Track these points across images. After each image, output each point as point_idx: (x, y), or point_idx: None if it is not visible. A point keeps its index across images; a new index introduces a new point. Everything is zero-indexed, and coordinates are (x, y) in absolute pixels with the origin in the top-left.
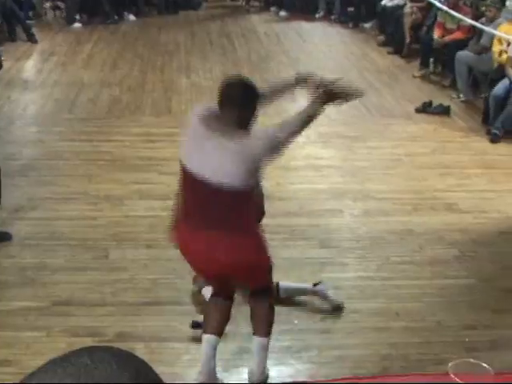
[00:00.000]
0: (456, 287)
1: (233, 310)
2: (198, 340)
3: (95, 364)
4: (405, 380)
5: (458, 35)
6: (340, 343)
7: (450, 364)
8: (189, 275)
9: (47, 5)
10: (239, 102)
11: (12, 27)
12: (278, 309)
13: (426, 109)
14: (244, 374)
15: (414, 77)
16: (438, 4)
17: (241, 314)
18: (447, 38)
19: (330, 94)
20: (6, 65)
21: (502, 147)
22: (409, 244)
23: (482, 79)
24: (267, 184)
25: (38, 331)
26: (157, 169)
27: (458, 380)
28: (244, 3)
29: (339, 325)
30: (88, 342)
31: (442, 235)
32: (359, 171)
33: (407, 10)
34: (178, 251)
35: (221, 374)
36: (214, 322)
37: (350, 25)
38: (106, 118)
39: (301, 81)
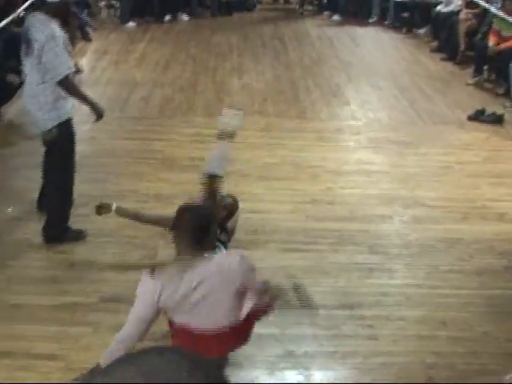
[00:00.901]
0: (504, 298)
1: (279, 312)
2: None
3: (166, 365)
4: None
5: None
6: (385, 350)
7: (507, 376)
8: None
9: (102, 3)
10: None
11: None
12: (324, 314)
13: (478, 117)
14: (289, 377)
15: (467, 84)
16: (494, 10)
17: (287, 316)
18: (502, 46)
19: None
20: None
21: None
22: (458, 253)
23: None
24: (318, 188)
25: (86, 327)
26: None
27: None
28: (298, 7)
29: (385, 331)
30: None
31: (492, 245)
32: (409, 178)
33: (462, 16)
34: None
35: (266, 378)
36: None
37: (404, 30)
38: (158, 118)
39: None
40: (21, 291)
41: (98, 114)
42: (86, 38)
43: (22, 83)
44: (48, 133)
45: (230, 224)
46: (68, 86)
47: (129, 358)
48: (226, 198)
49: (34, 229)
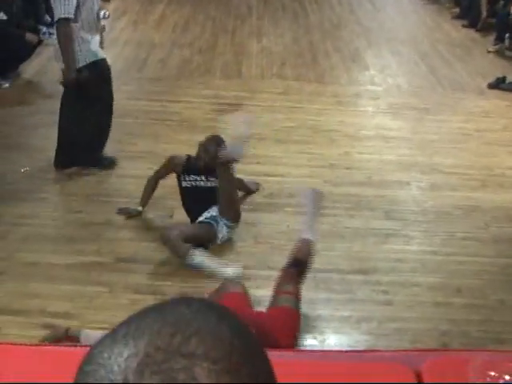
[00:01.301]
0: None
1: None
2: (258, 303)
3: (193, 314)
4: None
5: None
6: (400, 316)
7: None
8: (251, 239)
9: None
10: None
11: None
12: (339, 278)
13: (499, 85)
14: (302, 340)
15: (488, 52)
16: None
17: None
18: None
19: None
20: None
21: None
22: (474, 220)
23: None
24: (336, 152)
25: (101, 286)
26: (223, 132)
27: None
28: None
29: (400, 297)
30: (150, 299)
31: (510, 213)
32: (428, 144)
33: None
34: (242, 214)
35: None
36: None
37: None
38: (176, 79)
39: None
40: (36, 249)
41: (66, 79)
42: None
43: (40, 42)
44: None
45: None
46: (59, 31)
47: (156, 309)
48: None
49: (51, 187)
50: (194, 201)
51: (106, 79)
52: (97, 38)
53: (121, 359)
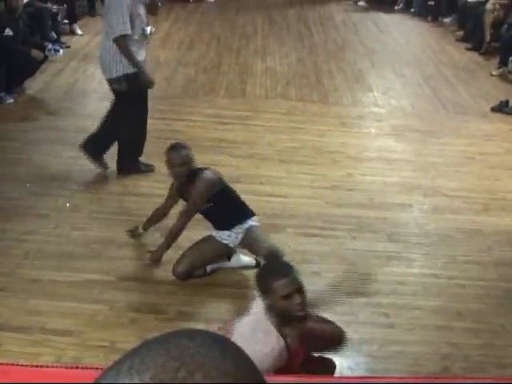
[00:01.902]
0: None
1: None
2: None
3: (197, 348)
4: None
5: None
6: (401, 339)
7: None
8: (253, 260)
9: None
10: None
11: (92, 2)
12: (341, 301)
13: (502, 108)
14: None
15: (492, 75)
16: None
17: None
18: None
19: None
20: (83, 39)
21: None
22: (477, 244)
23: None
24: (338, 173)
25: (102, 304)
26: (227, 151)
27: None
28: None
29: (401, 320)
30: (150, 318)
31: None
32: (431, 167)
33: (489, 6)
34: None
35: None
36: None
37: (429, 18)
38: (180, 98)
39: None
40: (38, 266)
41: (145, 81)
42: None
43: (45, 58)
44: (115, 81)
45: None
46: (120, 45)
47: (159, 342)
48: None
49: (53, 204)
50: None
51: (142, 89)
52: (143, 52)
53: None
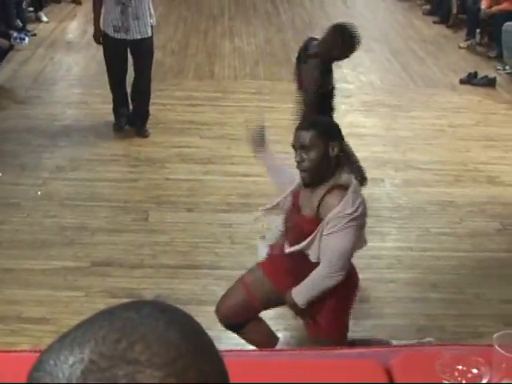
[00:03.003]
0: (496, 260)
1: None
2: None
3: (141, 319)
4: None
5: (506, 6)
6: (377, 312)
7: (494, 336)
8: (227, 240)
9: None
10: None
11: None
12: None
13: (470, 80)
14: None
15: (460, 47)
16: None
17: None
18: (494, 9)
19: None
20: (50, 26)
21: None
22: (449, 216)
23: None
24: None
25: (77, 291)
26: (198, 133)
27: (504, 352)
28: None
29: (376, 294)
30: None
31: (484, 208)
32: (401, 141)
33: None
34: (217, 215)
35: None
36: None
37: None
38: None
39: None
40: (11, 255)
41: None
42: (76, 1)
43: (11, 47)
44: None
45: None
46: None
47: (106, 314)
48: None
49: (24, 192)
50: None
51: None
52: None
53: (66, 366)
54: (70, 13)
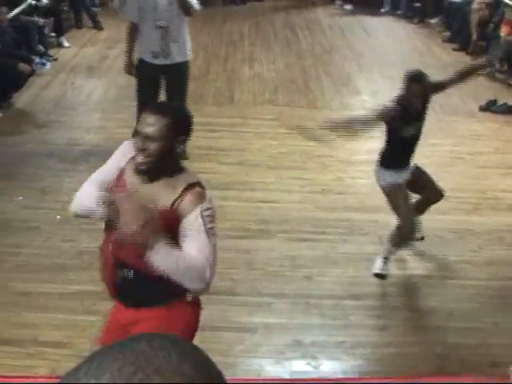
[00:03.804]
0: None
1: (287, 302)
2: (250, 330)
3: (155, 351)
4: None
5: None
6: (394, 341)
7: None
8: (244, 266)
9: None
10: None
11: (78, 14)
12: (332, 304)
13: (490, 107)
14: (296, 367)
15: (479, 75)
16: (507, 0)
17: (294, 306)
18: None
19: None
20: (71, 51)
21: None
22: (467, 243)
23: None
24: (328, 177)
25: (94, 315)
26: (216, 158)
27: None
28: None
29: (394, 322)
30: None
31: (502, 236)
32: None
33: (475, 6)
34: (235, 241)
35: (273, 367)
36: None
37: (416, 20)
38: None
39: None
40: (29, 279)
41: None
42: (98, 26)
43: (33, 72)
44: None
45: None
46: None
47: (118, 347)
48: None
49: (44, 216)
50: None
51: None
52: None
53: None
54: (91, 38)
